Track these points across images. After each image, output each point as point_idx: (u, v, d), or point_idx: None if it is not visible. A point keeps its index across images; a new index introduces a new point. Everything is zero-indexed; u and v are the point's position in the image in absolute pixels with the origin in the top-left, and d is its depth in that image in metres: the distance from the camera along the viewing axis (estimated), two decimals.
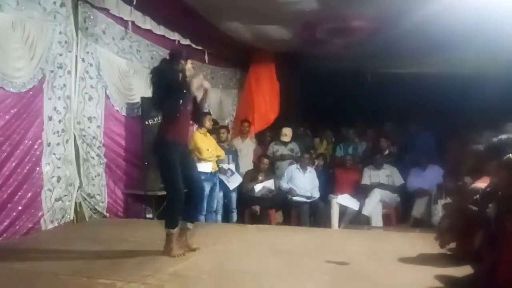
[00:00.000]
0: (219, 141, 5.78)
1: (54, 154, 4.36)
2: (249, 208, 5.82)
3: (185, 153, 3.48)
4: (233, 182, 5.76)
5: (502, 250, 2.30)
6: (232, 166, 5.86)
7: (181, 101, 3.24)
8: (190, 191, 3.43)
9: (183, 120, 3.36)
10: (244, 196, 5.89)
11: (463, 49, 6.00)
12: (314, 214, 5.93)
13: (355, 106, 7.66)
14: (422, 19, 4.96)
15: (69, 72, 4.53)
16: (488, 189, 2.79)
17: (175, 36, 5.98)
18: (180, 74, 3.31)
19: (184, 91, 3.28)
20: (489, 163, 2.83)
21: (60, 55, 4.39)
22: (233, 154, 6.08)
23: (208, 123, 5.42)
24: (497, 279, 2.26)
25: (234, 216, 5.84)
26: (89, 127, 4.79)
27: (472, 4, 4.68)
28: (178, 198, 3.32)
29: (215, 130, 5.88)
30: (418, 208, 5.78)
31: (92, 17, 4.73)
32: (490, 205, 2.70)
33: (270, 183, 5.98)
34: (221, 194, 5.67)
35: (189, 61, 3.41)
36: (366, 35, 6.02)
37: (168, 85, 3.24)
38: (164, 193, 4.84)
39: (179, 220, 3.37)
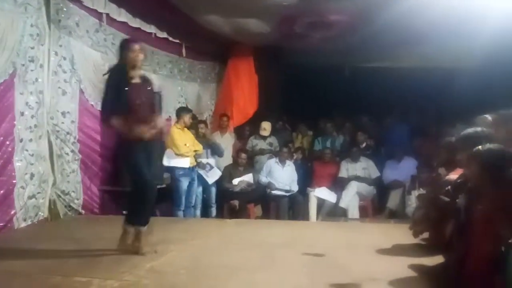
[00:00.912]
0: (198, 136, 5.75)
1: (26, 150, 4.24)
2: (228, 203, 5.82)
3: (147, 149, 3.24)
4: (212, 176, 5.74)
5: (471, 240, 2.38)
6: (211, 161, 5.84)
7: (123, 102, 3.12)
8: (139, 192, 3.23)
9: (137, 116, 3.17)
10: (223, 190, 5.89)
11: (439, 43, 6.14)
12: (292, 207, 5.99)
13: (333, 99, 7.74)
14: (399, 13, 5.04)
15: (41, 66, 4.40)
16: (459, 180, 2.88)
17: (151, 29, 5.89)
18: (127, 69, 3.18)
19: (127, 88, 3.14)
20: (460, 155, 2.92)
21: (32, 48, 4.26)
22: (211, 148, 6.05)
23: (187, 120, 5.39)
24: (467, 268, 2.34)
25: (213, 210, 5.83)
26: (63, 123, 4.68)
27: None
28: (149, 192, 3.19)
29: (194, 124, 5.84)
30: (393, 200, 5.92)
31: (64, 9, 4.60)
32: (460, 196, 2.79)
33: (249, 177, 6.00)
34: (200, 189, 5.65)
35: (135, 51, 3.20)
36: (344, 30, 6.08)
37: (111, 87, 3.17)
38: None
39: (150, 217, 3.25)
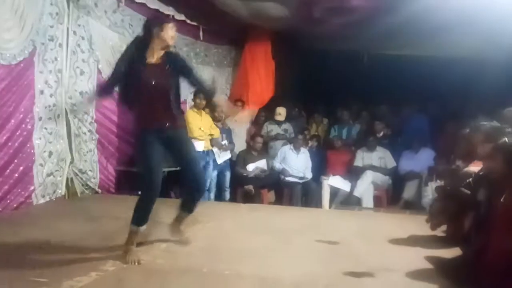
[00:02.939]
0: (214, 120, 5.74)
1: (45, 128, 4.30)
2: (242, 187, 5.84)
3: (171, 137, 2.86)
4: (222, 156, 5.74)
5: (491, 234, 2.33)
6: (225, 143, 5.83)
7: (133, 88, 2.77)
8: (188, 179, 3.01)
9: (152, 103, 2.80)
10: (237, 175, 5.89)
11: (462, 32, 5.94)
12: (306, 195, 5.98)
13: (350, 87, 7.63)
14: (422, 1, 4.88)
15: (60, 45, 4.42)
16: (481, 173, 2.81)
17: (169, 10, 5.82)
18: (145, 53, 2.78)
19: (142, 75, 2.75)
20: (484, 147, 2.85)
21: (51, 27, 4.27)
22: (227, 133, 6.05)
23: (198, 101, 5.35)
24: (486, 262, 2.30)
25: (227, 194, 5.86)
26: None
27: None
28: (149, 191, 2.80)
29: (212, 109, 5.84)
30: (409, 191, 5.85)
31: None
32: (481, 188, 2.73)
33: (263, 163, 5.99)
34: (215, 173, 5.67)
35: (171, 26, 2.80)
36: (365, 16, 5.93)
37: (120, 68, 2.78)
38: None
39: (147, 218, 2.84)
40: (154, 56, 2.81)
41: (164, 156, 2.92)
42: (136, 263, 2.65)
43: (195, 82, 3.00)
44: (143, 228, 2.83)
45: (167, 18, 2.93)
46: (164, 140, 2.84)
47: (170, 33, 2.79)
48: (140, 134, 2.85)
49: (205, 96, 3.13)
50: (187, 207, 3.04)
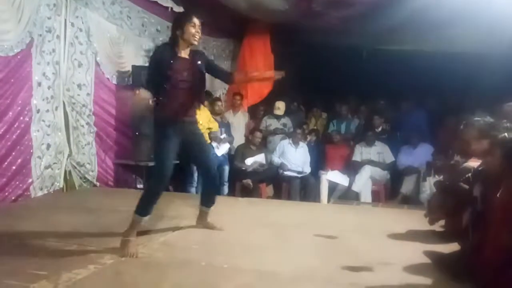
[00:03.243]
0: (213, 114, 5.72)
1: (43, 121, 4.29)
2: (240, 182, 5.83)
3: (189, 131, 3.01)
4: (221, 149, 5.73)
5: (488, 229, 2.34)
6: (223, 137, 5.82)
7: (166, 79, 2.85)
8: (203, 175, 3.27)
9: (179, 95, 2.91)
10: (236, 169, 5.89)
11: (462, 27, 5.92)
12: (304, 189, 5.98)
13: (350, 81, 7.60)
14: None
15: (58, 37, 4.40)
16: (480, 168, 2.81)
17: (168, 3, 5.79)
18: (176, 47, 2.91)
19: (173, 66, 2.86)
20: (478, 143, 2.84)
21: (49, 18, 4.25)
22: (226, 126, 6.04)
23: None
24: (483, 257, 2.30)
25: (225, 189, 5.85)
26: (78, 95, 4.71)
27: None
28: (157, 181, 2.88)
29: (210, 102, 5.81)
30: (407, 185, 5.86)
31: None
32: (477, 183, 2.72)
33: (261, 157, 5.99)
34: None
35: (192, 25, 2.89)
36: (364, 10, 5.90)
37: (153, 62, 2.93)
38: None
39: (152, 210, 2.87)
40: (182, 53, 2.95)
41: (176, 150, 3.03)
42: (135, 256, 2.65)
43: (219, 73, 3.27)
44: (146, 219, 2.86)
45: (189, 16, 2.97)
46: (182, 134, 2.97)
47: (191, 31, 2.90)
48: (162, 126, 2.92)
49: (229, 82, 3.55)
50: (208, 201, 3.29)
